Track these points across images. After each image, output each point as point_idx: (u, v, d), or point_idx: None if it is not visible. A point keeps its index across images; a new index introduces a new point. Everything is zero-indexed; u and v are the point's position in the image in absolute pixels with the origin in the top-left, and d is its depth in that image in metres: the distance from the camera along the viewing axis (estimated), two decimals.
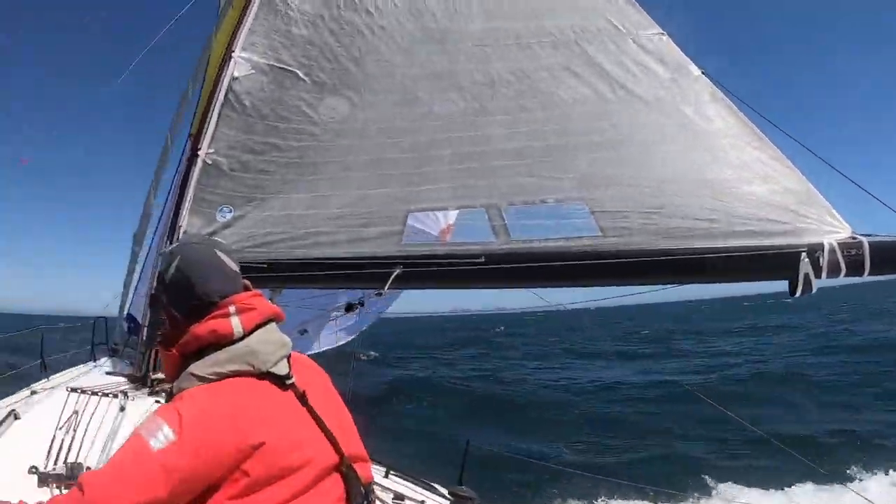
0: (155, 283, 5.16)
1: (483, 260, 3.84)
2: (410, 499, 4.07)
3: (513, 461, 9.11)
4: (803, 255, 3.57)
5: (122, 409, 4.19)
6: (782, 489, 9.39)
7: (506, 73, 4.79)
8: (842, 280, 3.72)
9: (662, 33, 4.95)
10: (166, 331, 1.78)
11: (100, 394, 4.32)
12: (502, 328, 59.39)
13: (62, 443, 3.57)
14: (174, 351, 1.69)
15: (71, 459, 3.44)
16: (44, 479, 3.28)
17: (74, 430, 3.71)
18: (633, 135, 4.49)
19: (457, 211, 4.28)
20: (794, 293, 3.59)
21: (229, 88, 5.03)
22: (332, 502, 1.58)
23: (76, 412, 3.92)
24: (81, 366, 6.96)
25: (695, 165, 4.28)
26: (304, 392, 1.65)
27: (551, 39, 4.93)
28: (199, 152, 4.93)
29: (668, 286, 3.96)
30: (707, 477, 10.22)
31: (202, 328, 1.63)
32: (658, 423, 14.16)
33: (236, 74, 5.06)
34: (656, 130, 4.49)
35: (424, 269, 3.97)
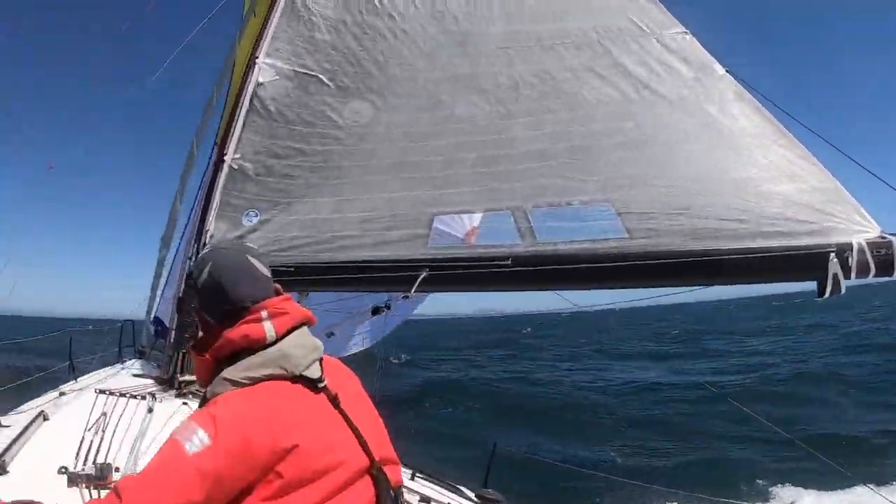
0: (184, 288, 5.22)
1: (509, 262, 3.83)
2: (437, 501, 4.07)
3: (545, 465, 8.79)
4: (832, 255, 3.52)
5: (150, 410, 4.24)
6: (841, 489, 8.91)
7: (529, 75, 4.79)
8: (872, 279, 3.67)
9: (686, 32, 4.92)
10: (198, 336, 1.81)
11: (128, 395, 4.37)
12: (529, 329, 58.61)
13: (91, 443, 3.61)
14: (207, 356, 1.71)
15: (100, 460, 3.48)
16: (73, 480, 3.31)
17: (103, 431, 3.75)
18: (658, 135, 4.45)
19: (482, 213, 4.28)
20: (823, 294, 3.54)
21: (254, 94, 5.09)
22: None
23: (104, 413, 3.97)
24: (108, 368, 7.04)
25: (720, 165, 4.24)
26: (336, 395, 1.67)
27: (574, 40, 4.92)
28: (225, 157, 4.98)
29: (696, 288, 3.93)
30: (762, 482, 9.78)
31: (235, 333, 1.65)
32: (699, 424, 13.69)
33: (261, 80, 5.12)
34: (681, 130, 4.45)
35: (451, 272, 3.98)
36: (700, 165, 4.26)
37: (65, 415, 4.30)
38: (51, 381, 6.14)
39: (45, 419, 4.21)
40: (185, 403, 4.72)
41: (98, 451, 3.55)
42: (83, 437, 3.64)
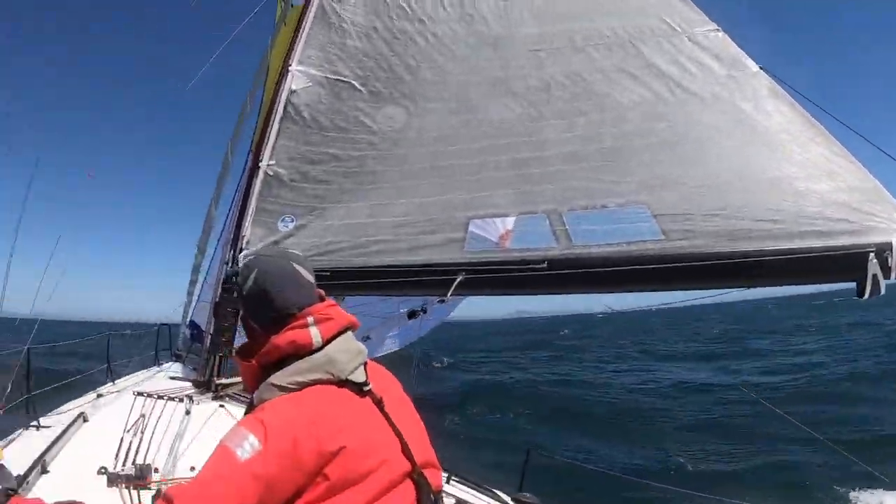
0: (221, 293, 5.28)
1: (546, 265, 3.83)
2: None
3: (589, 472, 8.41)
4: (871, 255, 3.45)
5: (188, 412, 4.30)
6: None
7: (560, 76, 4.77)
8: None
9: (717, 29, 4.87)
10: (244, 341, 1.82)
11: (165, 398, 4.43)
12: (566, 331, 57.62)
13: (130, 444, 3.69)
14: (253, 361, 1.72)
15: (139, 461, 3.55)
16: (113, 480, 3.38)
17: (142, 433, 3.82)
18: (692, 134, 4.41)
19: (515, 217, 4.27)
20: (863, 295, 3.46)
21: (288, 101, 5.15)
22: None
23: (143, 415, 4.04)
24: (145, 371, 7.18)
25: (756, 164, 4.18)
26: (381, 398, 1.68)
27: (605, 41, 4.90)
28: (261, 164, 5.05)
29: (734, 289, 3.89)
30: (840, 488, 9.04)
31: (282, 339, 1.67)
32: (757, 426, 12.59)
33: (294, 87, 5.17)
34: (715, 128, 4.41)
35: (487, 276, 3.97)
36: (735, 164, 4.21)
37: (104, 416, 4.40)
38: (89, 384, 6.28)
39: (85, 420, 4.31)
40: (221, 406, 4.78)
41: (137, 452, 3.63)
42: (122, 438, 3.72)
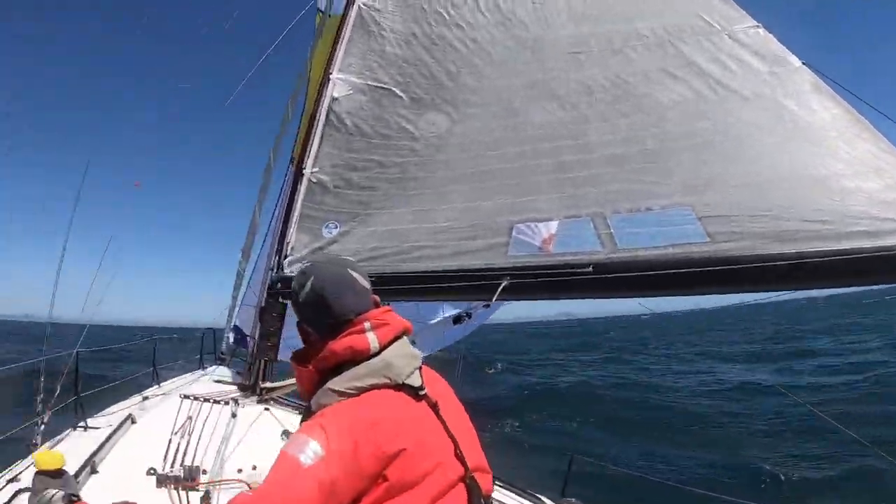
0: (265, 297, 5.38)
1: (591, 269, 3.81)
2: None
3: (642, 480, 7.87)
4: None
5: (234, 415, 4.41)
6: None
7: (601, 78, 4.74)
8: None
9: (758, 26, 4.79)
10: (301, 348, 1.86)
11: (211, 401, 4.53)
12: (613, 333, 56.39)
13: (178, 446, 3.78)
14: (310, 367, 1.75)
15: (187, 462, 3.65)
16: (162, 481, 3.50)
17: (189, 435, 3.91)
18: (734, 132, 4.34)
19: (558, 221, 4.26)
20: None
21: (330, 109, 5.22)
22: None
23: (190, 417, 4.13)
24: (189, 374, 7.33)
25: (801, 162, 4.09)
26: (436, 402, 1.72)
27: (644, 42, 4.85)
28: (304, 171, 5.13)
29: (783, 292, 3.85)
30: None
31: (339, 345, 1.70)
32: (836, 428, 11.34)
33: (336, 95, 5.24)
34: (758, 127, 4.32)
35: (532, 280, 3.98)
36: (779, 163, 4.13)
37: (152, 418, 4.49)
38: (135, 387, 6.46)
39: (133, 422, 4.42)
40: (266, 409, 4.87)
41: (185, 454, 3.72)
42: (170, 440, 3.81)
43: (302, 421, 1.77)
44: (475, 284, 4.16)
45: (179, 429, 3.99)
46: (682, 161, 4.30)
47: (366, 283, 1.85)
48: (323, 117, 5.21)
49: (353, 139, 5.12)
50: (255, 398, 5.14)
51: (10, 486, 3.32)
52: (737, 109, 4.45)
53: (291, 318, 5.02)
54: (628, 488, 8.13)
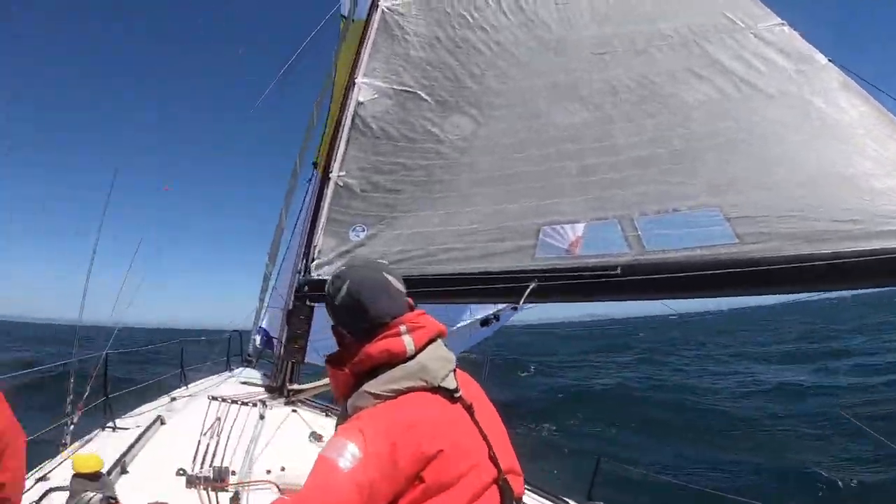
0: (292, 300, 5.42)
1: (619, 272, 3.81)
2: None
3: (684, 488, 7.34)
4: None
5: (262, 417, 4.44)
6: None
7: (626, 79, 4.73)
8: None
9: (783, 23, 4.74)
10: (335, 351, 1.85)
11: (239, 402, 4.55)
12: (642, 334, 55.41)
13: (207, 447, 3.80)
14: (346, 370, 1.75)
15: (216, 463, 3.67)
16: (191, 481, 3.51)
17: (218, 436, 3.94)
18: (762, 132, 4.29)
19: (584, 223, 4.26)
20: None
21: (355, 113, 5.26)
22: None
23: (218, 419, 4.16)
24: (216, 376, 7.41)
25: (829, 160, 4.03)
26: (470, 404, 1.72)
27: (668, 41, 4.83)
28: (331, 175, 5.17)
29: (813, 293, 3.82)
30: None
31: (375, 348, 1.69)
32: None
33: (361, 99, 5.28)
34: (785, 126, 4.27)
35: (560, 283, 3.98)
36: (809, 163, 4.08)
37: (181, 419, 4.53)
38: (163, 388, 6.55)
39: (162, 423, 4.46)
40: (294, 411, 4.90)
41: (214, 455, 3.74)
42: (199, 441, 3.83)
43: (337, 424, 1.79)
44: (503, 287, 4.17)
45: (208, 430, 4.03)
46: (708, 161, 4.27)
47: (400, 287, 1.84)
48: (349, 122, 5.26)
49: (378, 143, 5.16)
50: (282, 400, 5.18)
51: (39, 484, 3.36)
52: (762, 108, 4.41)
53: (318, 320, 5.08)
54: (665, 494, 7.87)
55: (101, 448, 4.09)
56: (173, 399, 5.69)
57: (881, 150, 4.00)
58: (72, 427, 4.71)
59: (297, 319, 5.12)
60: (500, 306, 5.07)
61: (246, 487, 3.65)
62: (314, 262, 5.03)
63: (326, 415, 5.32)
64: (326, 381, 5.14)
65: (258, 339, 8.45)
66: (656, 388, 20.01)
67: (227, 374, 7.58)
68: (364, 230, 4.93)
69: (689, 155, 4.33)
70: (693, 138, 4.40)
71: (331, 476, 1.46)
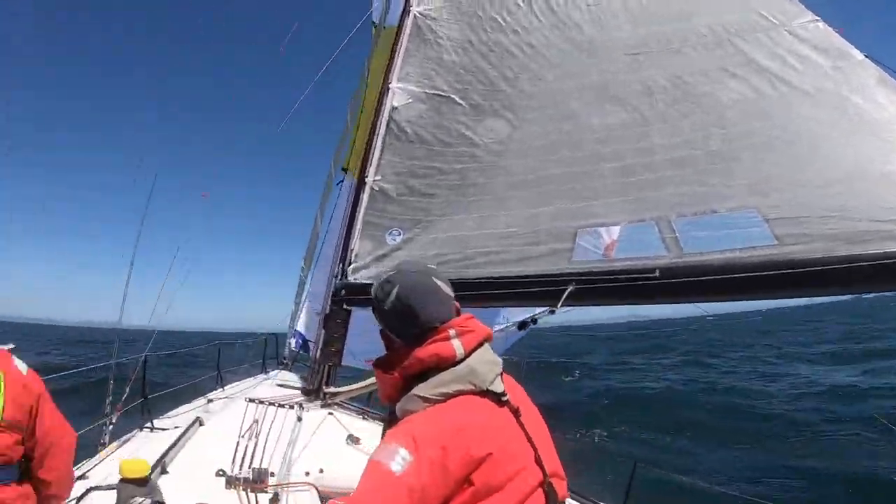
0: (330, 302, 5.48)
1: (657, 274, 3.80)
2: None
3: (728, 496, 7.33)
4: None
5: (299, 419, 4.49)
6: None
7: (661, 79, 4.70)
8: None
9: (817, 19, 4.67)
10: (384, 355, 1.87)
11: (276, 404, 4.56)
12: (684, 336, 54.58)
13: (245, 449, 3.83)
14: (395, 374, 1.77)
15: (255, 465, 3.72)
16: (231, 482, 3.59)
17: (256, 437, 3.96)
18: (800, 131, 4.23)
19: (621, 225, 4.25)
20: None
21: (390, 118, 5.30)
22: None
23: (256, 421, 4.17)
24: (252, 378, 7.54)
25: (867, 157, 3.96)
26: (517, 408, 1.73)
27: (703, 40, 4.79)
28: (367, 179, 5.22)
29: (856, 294, 3.76)
30: None
31: (425, 352, 1.71)
32: None
33: (395, 104, 5.32)
34: (823, 124, 4.20)
35: (598, 286, 3.98)
36: (848, 161, 4.00)
37: (219, 420, 4.64)
38: (199, 390, 6.69)
39: (201, 424, 4.56)
40: (330, 414, 4.97)
41: (252, 456, 3.78)
42: (238, 443, 3.86)
43: (385, 427, 1.83)
44: (541, 290, 4.18)
45: (246, 431, 4.06)
46: (745, 161, 4.23)
47: (449, 291, 1.86)
48: (384, 127, 5.31)
49: (413, 147, 5.19)
50: (318, 402, 5.23)
51: (79, 483, 3.43)
52: (799, 106, 4.35)
53: (354, 324, 5.15)
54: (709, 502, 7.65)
55: (139, 448, 4.22)
56: (210, 401, 5.80)
57: None
58: (110, 427, 4.84)
59: (334, 323, 5.15)
60: (537, 309, 5.09)
61: (285, 489, 3.73)
62: (351, 266, 5.08)
63: (363, 418, 5.40)
64: (363, 384, 5.22)
65: (294, 342, 8.56)
66: (705, 392, 19.54)
67: (262, 376, 7.69)
68: (400, 234, 4.97)
69: (725, 155, 4.29)
70: (729, 138, 4.36)
71: (383, 480, 1.47)
